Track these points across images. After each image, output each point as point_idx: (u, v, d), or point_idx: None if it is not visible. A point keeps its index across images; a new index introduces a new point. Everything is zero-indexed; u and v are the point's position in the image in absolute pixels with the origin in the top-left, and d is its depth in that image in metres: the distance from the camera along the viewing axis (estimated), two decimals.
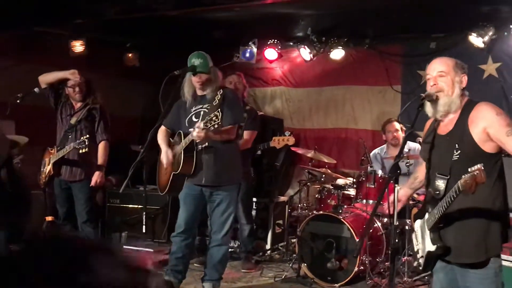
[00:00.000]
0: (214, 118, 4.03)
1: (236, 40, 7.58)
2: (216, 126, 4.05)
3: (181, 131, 4.48)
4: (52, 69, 5.44)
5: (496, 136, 2.85)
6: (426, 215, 3.06)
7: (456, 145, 2.93)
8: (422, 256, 3.12)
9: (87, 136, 4.99)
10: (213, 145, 4.36)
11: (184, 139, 4.37)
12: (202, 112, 4.45)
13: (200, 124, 4.09)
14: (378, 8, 6.15)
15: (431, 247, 3.00)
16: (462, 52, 6.20)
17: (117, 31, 7.37)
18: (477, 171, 2.55)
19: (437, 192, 2.97)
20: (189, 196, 4.51)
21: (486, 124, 2.86)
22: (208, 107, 4.44)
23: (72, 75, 5.18)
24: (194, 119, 4.45)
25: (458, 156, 2.91)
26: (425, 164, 3.24)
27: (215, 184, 4.40)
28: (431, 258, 3.07)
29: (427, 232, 3.03)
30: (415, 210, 3.43)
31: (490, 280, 2.92)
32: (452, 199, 2.73)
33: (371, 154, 6.19)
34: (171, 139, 4.63)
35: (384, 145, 6.37)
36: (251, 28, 7.23)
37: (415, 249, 3.22)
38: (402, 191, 3.36)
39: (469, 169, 2.59)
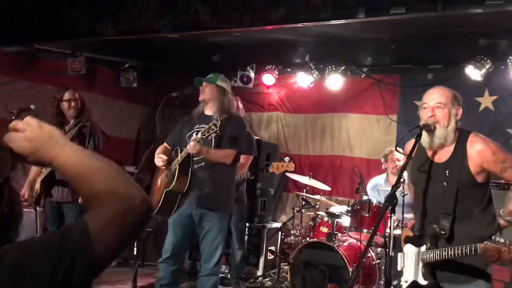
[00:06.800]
0: (212, 126, 3.90)
1: (234, 64, 7.61)
2: (214, 135, 3.97)
3: (178, 148, 4.36)
4: (49, 87, 5.40)
5: (494, 172, 3.02)
6: (423, 248, 3.02)
7: (457, 183, 2.99)
8: (406, 281, 3.10)
9: None
10: (210, 166, 4.24)
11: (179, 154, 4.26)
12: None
13: (197, 136, 4.01)
14: (376, 38, 6.20)
15: (421, 281, 2.99)
16: (459, 84, 6.19)
17: (115, 51, 7.38)
18: (505, 248, 2.55)
19: (443, 232, 2.98)
20: (178, 221, 4.36)
21: (482, 162, 2.98)
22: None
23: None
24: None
25: (460, 194, 2.98)
26: (415, 190, 3.25)
27: (207, 206, 4.23)
28: (414, 287, 3.07)
29: (420, 264, 2.99)
30: (408, 232, 3.37)
31: None
32: (465, 254, 2.75)
33: (369, 183, 6.12)
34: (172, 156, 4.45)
35: (384, 174, 6.28)
36: (250, 53, 7.27)
37: (399, 268, 3.19)
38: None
39: (495, 238, 2.60)
